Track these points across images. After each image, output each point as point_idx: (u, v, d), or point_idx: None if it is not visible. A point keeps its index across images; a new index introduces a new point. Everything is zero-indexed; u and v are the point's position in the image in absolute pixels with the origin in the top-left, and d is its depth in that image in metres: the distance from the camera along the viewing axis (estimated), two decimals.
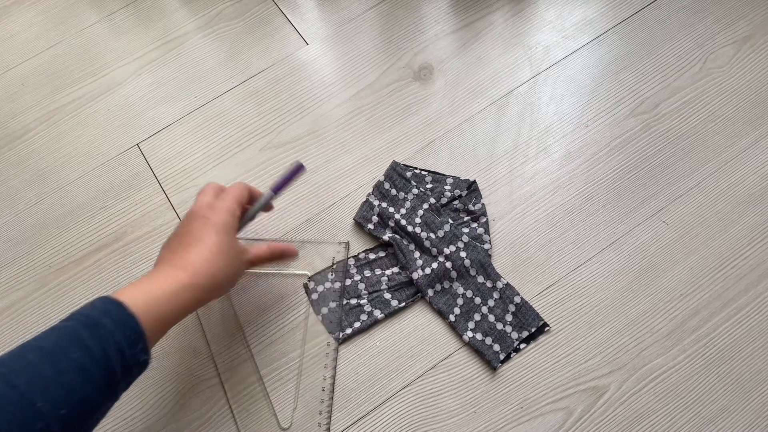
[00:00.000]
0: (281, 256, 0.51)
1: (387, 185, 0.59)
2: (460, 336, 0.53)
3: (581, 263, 0.55)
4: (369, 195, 0.59)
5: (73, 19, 0.74)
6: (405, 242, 0.56)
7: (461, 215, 0.58)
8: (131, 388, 0.39)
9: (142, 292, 0.40)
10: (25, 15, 0.74)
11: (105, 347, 0.35)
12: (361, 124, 0.64)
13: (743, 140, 0.59)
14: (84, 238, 0.61)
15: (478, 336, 0.52)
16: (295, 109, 0.65)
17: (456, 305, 0.54)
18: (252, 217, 0.50)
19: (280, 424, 0.51)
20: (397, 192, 0.59)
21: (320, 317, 0.55)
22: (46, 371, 0.33)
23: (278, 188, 0.51)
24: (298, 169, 0.51)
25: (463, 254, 0.55)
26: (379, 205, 0.58)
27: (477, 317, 0.53)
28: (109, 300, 0.38)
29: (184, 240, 0.44)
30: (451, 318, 0.53)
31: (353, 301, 0.55)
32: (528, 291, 0.54)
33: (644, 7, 0.67)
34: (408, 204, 0.58)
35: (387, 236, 0.57)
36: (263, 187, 0.61)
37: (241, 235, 0.56)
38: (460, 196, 0.58)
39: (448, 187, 0.59)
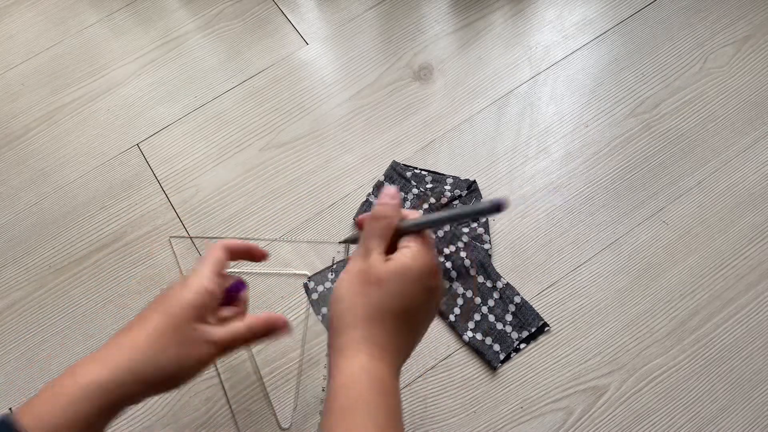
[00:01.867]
0: (266, 331, 0.40)
1: (387, 185, 0.59)
2: (460, 336, 0.53)
3: (581, 263, 0.55)
4: (369, 195, 0.59)
5: (73, 19, 0.74)
6: None
7: None
8: None
9: (49, 420, 0.32)
10: (25, 15, 0.74)
11: None
12: (361, 124, 0.64)
13: (743, 140, 0.59)
14: (84, 238, 0.61)
15: (478, 336, 0.52)
16: (295, 109, 0.65)
17: (456, 305, 0.54)
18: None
19: (280, 424, 0.51)
20: None
21: (320, 317, 0.55)
22: None
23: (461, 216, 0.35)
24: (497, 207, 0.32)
25: (463, 254, 0.55)
26: None
27: (477, 317, 0.53)
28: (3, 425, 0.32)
29: (133, 320, 0.37)
30: (451, 318, 0.53)
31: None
32: (528, 291, 0.54)
33: (644, 7, 0.67)
34: (408, 204, 0.58)
35: None
36: (261, 189, 0.61)
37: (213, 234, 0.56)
38: (460, 196, 0.58)
39: (448, 187, 0.59)
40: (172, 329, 0.35)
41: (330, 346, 0.35)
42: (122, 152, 0.65)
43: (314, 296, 0.56)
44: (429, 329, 0.54)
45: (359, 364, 0.33)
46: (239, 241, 0.43)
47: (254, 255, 0.44)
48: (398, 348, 0.35)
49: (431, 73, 0.66)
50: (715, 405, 0.49)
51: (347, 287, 0.35)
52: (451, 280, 0.55)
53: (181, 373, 0.36)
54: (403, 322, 0.35)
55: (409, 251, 0.35)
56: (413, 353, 0.51)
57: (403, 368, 0.52)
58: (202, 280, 0.38)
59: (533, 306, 0.53)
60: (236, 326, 0.38)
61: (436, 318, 0.54)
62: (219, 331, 0.37)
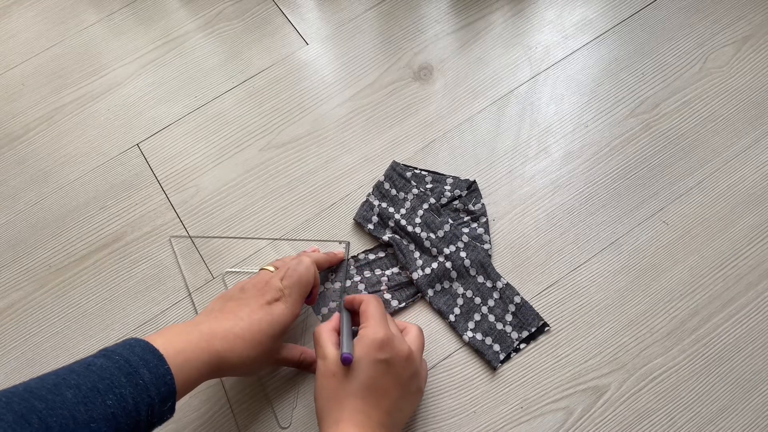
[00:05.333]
0: (308, 368, 0.50)
1: (387, 185, 0.59)
2: (460, 336, 0.53)
3: (581, 263, 0.55)
4: (369, 195, 0.59)
5: (73, 19, 0.74)
6: (405, 242, 0.56)
7: (461, 215, 0.58)
8: None
9: (179, 349, 0.39)
10: (25, 15, 0.74)
11: (138, 400, 0.35)
12: (361, 124, 0.64)
13: (743, 140, 0.59)
14: (84, 238, 0.61)
15: (478, 336, 0.52)
16: (295, 109, 0.65)
17: (456, 305, 0.54)
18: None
19: (280, 424, 0.51)
20: (397, 192, 0.59)
21: (320, 317, 0.55)
22: (79, 415, 0.33)
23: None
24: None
25: (463, 254, 0.55)
26: (379, 205, 0.58)
27: (477, 317, 0.53)
28: (148, 348, 0.38)
29: (239, 306, 0.45)
30: (451, 318, 0.53)
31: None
32: (528, 291, 0.54)
33: (644, 7, 0.67)
34: (408, 204, 0.58)
35: (387, 236, 0.57)
36: (261, 189, 0.61)
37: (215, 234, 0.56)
38: (460, 196, 0.58)
39: (448, 187, 0.59)
40: (269, 343, 0.44)
41: None
42: (122, 152, 0.65)
43: None
44: (429, 329, 0.54)
45: None
46: (324, 255, 0.54)
47: (334, 262, 0.56)
48: (369, 418, 0.41)
49: (431, 73, 0.66)
50: (715, 405, 0.49)
51: (317, 388, 0.43)
52: (451, 280, 0.55)
53: (247, 372, 0.48)
54: (364, 398, 0.41)
55: (359, 336, 0.44)
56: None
57: None
58: (297, 307, 0.47)
59: (533, 306, 0.53)
60: (292, 353, 0.49)
61: (436, 318, 0.54)
62: (284, 352, 0.48)
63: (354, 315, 0.49)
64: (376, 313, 0.45)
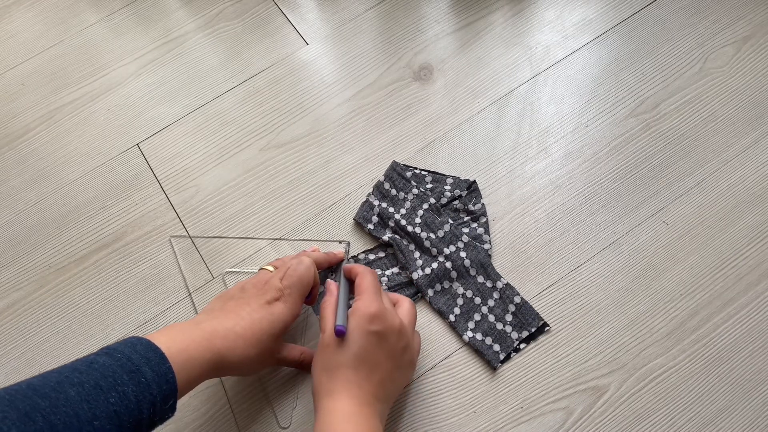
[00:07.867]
0: (308, 368, 0.49)
1: (387, 185, 0.59)
2: (460, 336, 0.53)
3: (581, 263, 0.55)
4: (369, 195, 0.59)
5: (73, 19, 0.74)
6: (405, 242, 0.56)
7: (461, 215, 0.58)
8: None
9: (181, 347, 0.39)
10: (25, 15, 0.75)
11: (140, 398, 0.35)
12: (361, 124, 0.64)
13: (743, 140, 0.59)
14: (84, 238, 0.61)
15: (478, 336, 0.52)
16: (295, 109, 0.65)
17: (456, 305, 0.54)
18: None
19: (280, 423, 0.51)
20: (397, 192, 0.59)
21: (320, 317, 0.55)
22: (83, 413, 0.33)
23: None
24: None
25: (463, 254, 0.55)
26: (379, 205, 0.58)
27: (477, 317, 0.53)
28: (150, 346, 0.38)
29: (239, 305, 0.45)
30: (451, 318, 0.53)
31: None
32: (528, 291, 0.54)
33: (644, 7, 0.67)
34: (408, 204, 0.58)
35: (387, 236, 0.57)
36: (261, 189, 0.61)
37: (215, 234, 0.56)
38: (460, 196, 0.58)
39: (448, 187, 0.59)
40: (269, 342, 0.45)
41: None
42: (122, 152, 0.65)
43: None
44: (429, 329, 0.54)
45: (322, 406, 0.41)
46: (324, 255, 0.54)
47: (334, 262, 0.55)
48: (360, 389, 0.42)
49: (431, 73, 0.66)
50: (715, 405, 0.49)
51: (314, 359, 0.44)
52: (451, 280, 0.55)
53: (247, 371, 0.48)
54: (356, 369, 0.42)
55: (352, 308, 0.44)
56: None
57: None
58: (297, 308, 0.47)
59: (533, 306, 0.53)
60: (293, 353, 0.49)
61: (436, 318, 0.54)
62: (284, 351, 0.48)
63: (352, 285, 0.49)
64: (370, 286, 0.45)
